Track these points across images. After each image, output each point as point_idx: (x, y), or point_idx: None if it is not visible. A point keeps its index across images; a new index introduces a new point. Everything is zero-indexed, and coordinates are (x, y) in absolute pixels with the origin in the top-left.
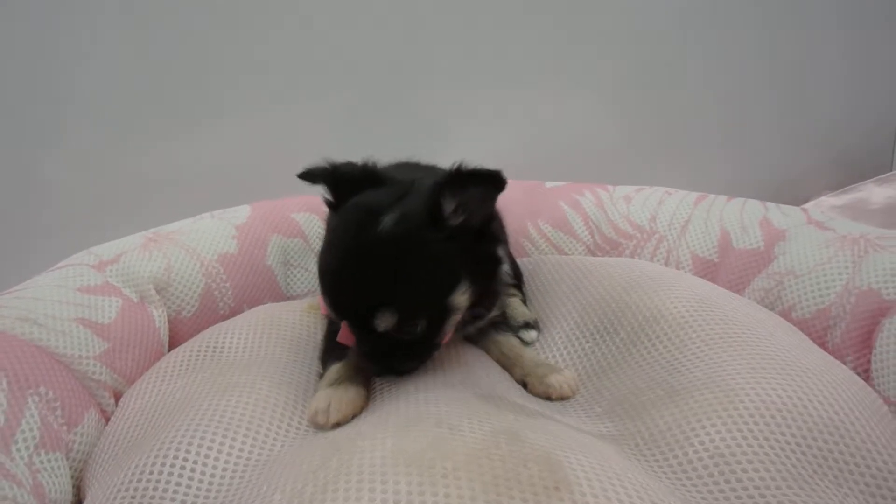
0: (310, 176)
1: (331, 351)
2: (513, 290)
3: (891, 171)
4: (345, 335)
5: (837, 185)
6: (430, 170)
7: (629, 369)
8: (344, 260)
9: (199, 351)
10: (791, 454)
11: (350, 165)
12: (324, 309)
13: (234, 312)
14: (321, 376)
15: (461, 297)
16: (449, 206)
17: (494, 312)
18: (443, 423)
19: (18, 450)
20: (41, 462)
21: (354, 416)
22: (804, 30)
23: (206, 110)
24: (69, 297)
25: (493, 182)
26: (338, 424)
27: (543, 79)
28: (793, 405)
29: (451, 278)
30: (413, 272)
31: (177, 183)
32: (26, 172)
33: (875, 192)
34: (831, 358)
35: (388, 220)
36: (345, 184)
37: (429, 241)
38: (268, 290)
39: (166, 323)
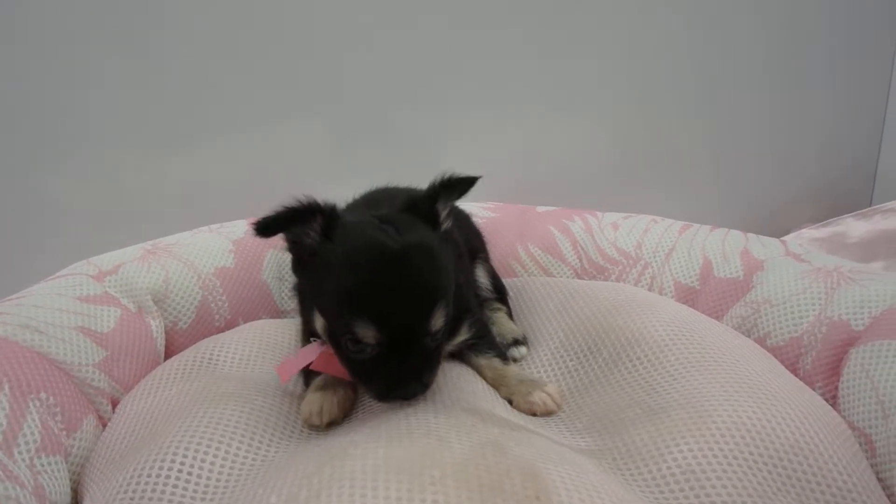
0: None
1: (311, 372)
2: (497, 305)
3: (870, 206)
4: (329, 365)
5: (818, 218)
6: (410, 193)
7: (610, 388)
8: (390, 274)
9: (194, 361)
10: (758, 472)
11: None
12: (317, 365)
13: (230, 325)
14: (306, 388)
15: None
16: (443, 212)
17: (465, 336)
18: (431, 434)
19: (20, 452)
20: (42, 465)
21: (345, 416)
22: (790, 65)
23: (204, 128)
24: (69, 306)
25: (473, 184)
26: (331, 424)
27: (535, 104)
28: (762, 426)
29: (452, 277)
30: (443, 272)
31: (175, 198)
32: (27, 186)
33: (854, 227)
34: (801, 383)
35: (406, 231)
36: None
37: (438, 243)
38: (263, 304)
39: (163, 333)
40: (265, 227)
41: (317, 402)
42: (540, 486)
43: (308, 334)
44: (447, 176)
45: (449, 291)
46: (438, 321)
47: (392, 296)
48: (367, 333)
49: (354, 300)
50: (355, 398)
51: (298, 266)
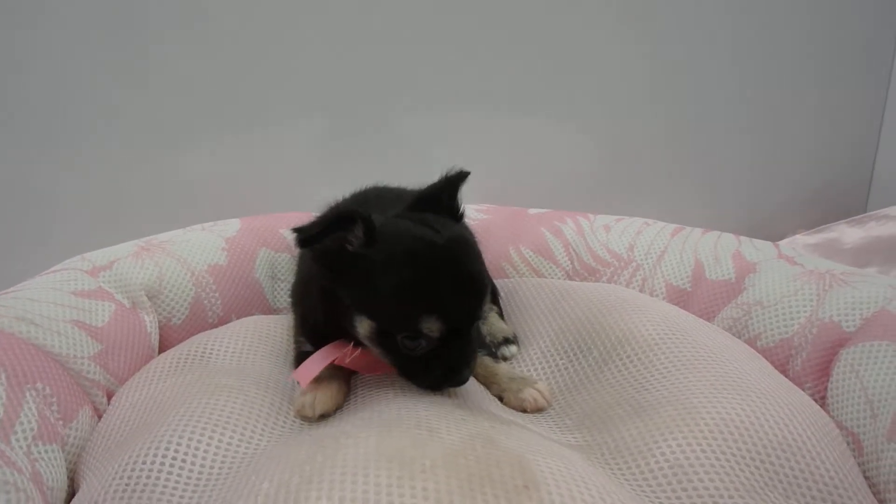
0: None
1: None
2: (489, 304)
3: (864, 212)
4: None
5: (812, 224)
6: (399, 193)
7: (600, 386)
8: (446, 269)
9: (188, 355)
10: (745, 467)
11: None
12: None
13: (223, 322)
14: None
15: None
16: (460, 204)
17: None
18: (422, 425)
19: (18, 440)
20: (39, 453)
21: (337, 408)
22: (784, 70)
23: (198, 127)
24: (64, 300)
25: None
26: (323, 416)
27: (529, 108)
28: (749, 424)
29: None
30: (482, 261)
31: (169, 196)
32: (23, 181)
33: (847, 233)
34: (790, 384)
35: (440, 227)
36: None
37: (469, 234)
38: (255, 301)
39: (157, 329)
40: (309, 236)
41: (309, 394)
42: (529, 476)
43: (305, 332)
44: (457, 170)
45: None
46: (485, 308)
47: (452, 289)
48: (433, 327)
49: (418, 297)
50: (348, 391)
51: (333, 276)
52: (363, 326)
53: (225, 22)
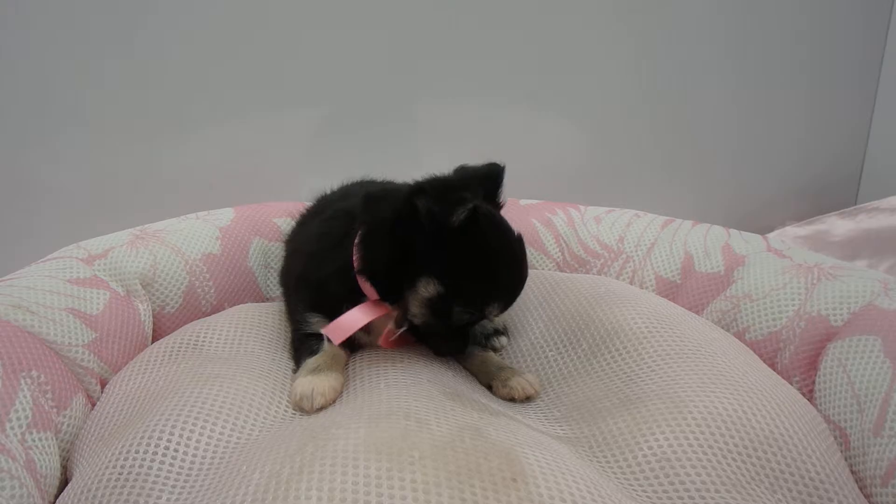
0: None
1: (303, 350)
2: None
3: (855, 204)
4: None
5: (803, 216)
6: (384, 187)
7: (588, 378)
8: (521, 263)
9: (181, 344)
10: (732, 461)
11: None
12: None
13: (216, 310)
14: (296, 371)
15: None
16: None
17: None
18: (411, 416)
19: (12, 427)
20: (33, 440)
21: (335, 400)
22: (775, 62)
23: (193, 116)
24: (60, 288)
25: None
26: (321, 409)
27: (520, 100)
28: (737, 417)
29: None
30: None
31: (163, 185)
32: (16, 170)
33: (837, 225)
34: (778, 377)
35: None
36: None
37: None
38: (248, 290)
39: (150, 317)
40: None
41: (308, 385)
42: (517, 468)
43: (320, 307)
44: (502, 163)
45: None
46: None
47: (515, 284)
48: (494, 312)
49: (496, 285)
50: (344, 382)
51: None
52: (427, 288)
53: (219, 9)
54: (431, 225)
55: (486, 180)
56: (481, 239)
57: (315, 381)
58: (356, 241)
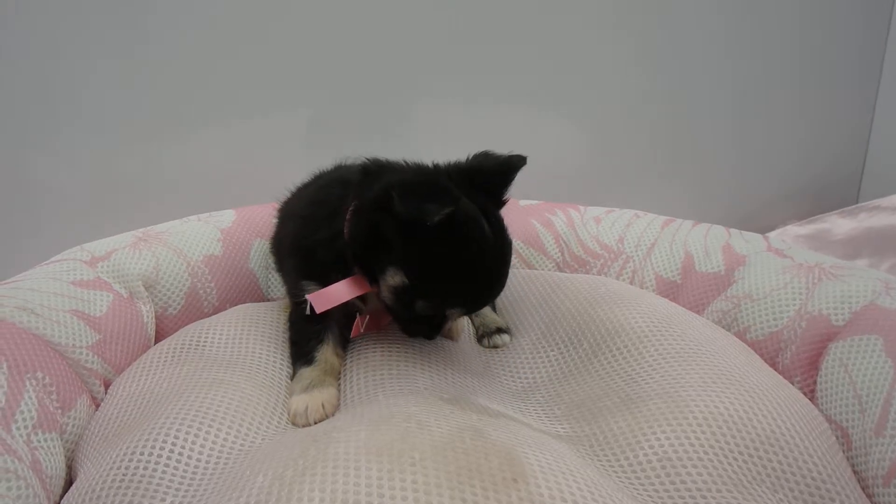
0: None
1: (300, 356)
2: None
3: (856, 203)
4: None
5: (804, 215)
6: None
7: (589, 377)
8: (494, 271)
9: (183, 345)
10: (733, 461)
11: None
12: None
13: (218, 311)
14: (293, 377)
15: None
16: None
17: None
18: (411, 418)
19: (18, 428)
20: (38, 441)
21: (329, 414)
22: (776, 61)
23: (195, 117)
24: (64, 290)
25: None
26: (316, 422)
27: (519, 101)
28: (738, 417)
29: None
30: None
31: (163, 185)
32: (19, 171)
33: (839, 224)
34: (780, 377)
35: (500, 219)
36: None
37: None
38: (249, 291)
39: (153, 319)
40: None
41: (302, 404)
42: (517, 469)
43: (312, 274)
44: (519, 155)
45: None
46: None
47: (483, 289)
48: (454, 313)
49: (458, 290)
50: (339, 394)
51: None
52: (393, 278)
53: (220, 8)
54: (406, 218)
55: (495, 175)
56: (453, 242)
57: (309, 399)
58: (349, 211)
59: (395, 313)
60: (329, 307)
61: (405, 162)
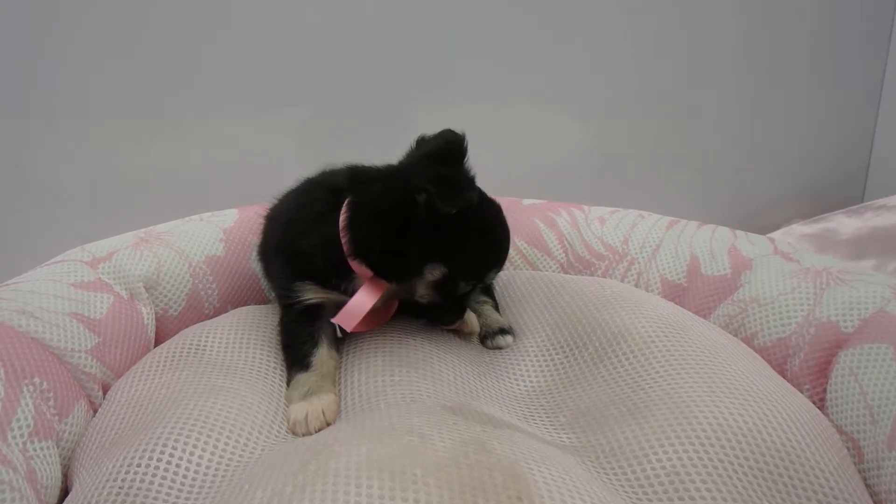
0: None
1: (295, 360)
2: (483, 297)
3: (861, 202)
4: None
5: (808, 214)
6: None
7: (595, 383)
8: (506, 225)
9: (182, 349)
10: (743, 476)
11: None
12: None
13: (219, 313)
14: (288, 383)
15: None
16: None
17: None
18: (413, 431)
19: (14, 437)
20: (34, 449)
21: (329, 423)
22: (780, 58)
23: (196, 115)
24: (64, 292)
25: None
26: (317, 431)
27: (522, 98)
28: (748, 429)
29: None
30: None
31: (166, 184)
32: (18, 170)
33: (844, 223)
34: (788, 385)
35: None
36: None
37: None
38: (251, 292)
39: (154, 320)
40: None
41: (301, 411)
42: (522, 486)
43: (309, 275)
44: (451, 134)
45: None
46: None
47: (504, 252)
48: (493, 275)
49: (492, 253)
50: (338, 400)
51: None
52: (433, 273)
53: (218, 10)
54: (430, 216)
55: (455, 153)
56: (476, 218)
57: (308, 407)
58: (343, 220)
59: (434, 305)
60: (357, 321)
61: (379, 166)
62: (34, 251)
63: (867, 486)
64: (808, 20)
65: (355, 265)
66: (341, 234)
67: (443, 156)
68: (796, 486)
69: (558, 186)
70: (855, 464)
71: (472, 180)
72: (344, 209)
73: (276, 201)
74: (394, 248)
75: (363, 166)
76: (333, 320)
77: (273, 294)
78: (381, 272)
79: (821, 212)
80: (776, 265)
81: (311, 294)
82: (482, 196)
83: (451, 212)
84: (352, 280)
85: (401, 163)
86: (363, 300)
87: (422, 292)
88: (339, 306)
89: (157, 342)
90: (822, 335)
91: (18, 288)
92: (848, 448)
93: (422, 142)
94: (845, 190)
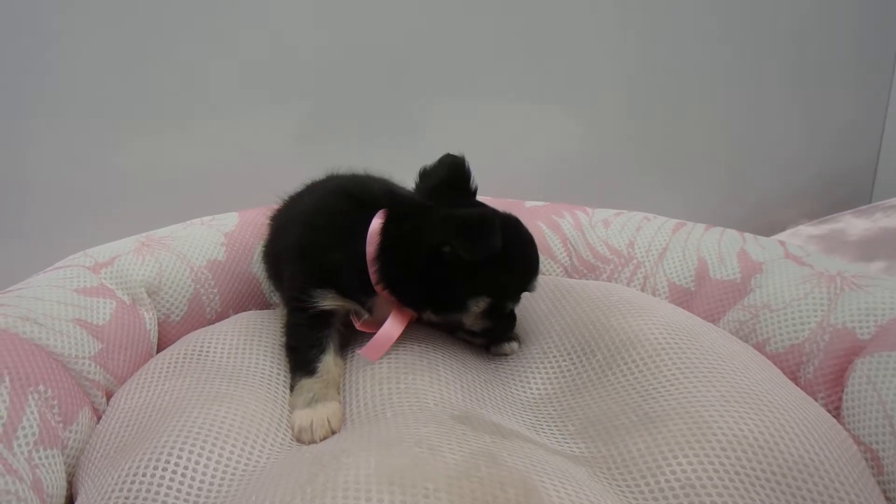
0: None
1: (300, 365)
2: None
3: (870, 202)
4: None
5: (817, 215)
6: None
7: (604, 391)
8: (532, 237)
9: (184, 354)
10: (760, 489)
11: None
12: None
13: (221, 317)
14: (292, 387)
15: None
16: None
17: None
18: (423, 442)
19: (20, 445)
20: (40, 458)
21: (334, 431)
22: (789, 57)
23: (196, 115)
24: (67, 298)
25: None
26: (323, 439)
27: (525, 98)
28: (764, 441)
29: None
30: None
31: (165, 186)
32: (14, 172)
33: (853, 224)
34: (803, 394)
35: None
36: None
37: None
38: (253, 296)
39: (156, 326)
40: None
41: (306, 419)
42: (534, 500)
43: (329, 282)
44: (452, 156)
45: None
46: None
47: (537, 266)
48: (533, 286)
49: (527, 272)
50: (342, 407)
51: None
52: (478, 305)
53: (220, 9)
54: (459, 262)
55: (461, 177)
56: (511, 246)
57: (313, 414)
58: (374, 247)
59: (485, 332)
60: (383, 352)
61: (394, 192)
62: (34, 251)
63: (887, 498)
64: (815, 18)
65: (386, 295)
66: (369, 262)
67: (451, 182)
68: (815, 499)
69: (559, 187)
70: (874, 475)
71: (477, 200)
72: (374, 232)
73: (283, 203)
74: (430, 293)
75: (399, 195)
76: (359, 352)
77: (278, 296)
78: (410, 303)
79: (827, 210)
80: (788, 269)
81: (330, 301)
82: (498, 216)
83: (477, 259)
84: (373, 295)
85: (415, 188)
86: (391, 331)
87: (471, 323)
88: (346, 314)
89: (160, 348)
90: (837, 342)
91: (22, 294)
92: (866, 459)
93: (425, 174)
94: (853, 190)
